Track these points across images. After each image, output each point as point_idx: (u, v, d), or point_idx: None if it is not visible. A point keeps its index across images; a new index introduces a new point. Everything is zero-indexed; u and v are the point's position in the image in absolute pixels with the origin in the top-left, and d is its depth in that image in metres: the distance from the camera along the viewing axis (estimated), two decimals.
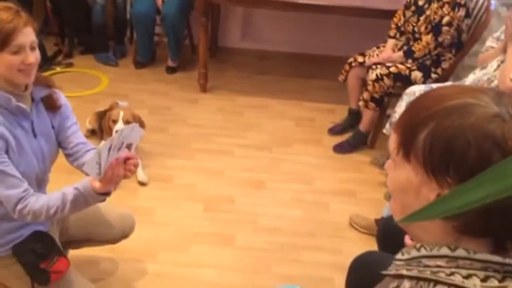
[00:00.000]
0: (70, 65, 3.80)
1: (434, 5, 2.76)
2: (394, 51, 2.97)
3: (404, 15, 2.96)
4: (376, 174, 2.86)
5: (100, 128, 2.76)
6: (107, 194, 1.42)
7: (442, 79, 2.84)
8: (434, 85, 2.53)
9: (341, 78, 3.17)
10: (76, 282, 1.60)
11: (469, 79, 2.38)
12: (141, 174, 2.61)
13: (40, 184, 1.56)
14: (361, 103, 2.98)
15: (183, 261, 2.17)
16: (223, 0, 3.53)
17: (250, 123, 3.31)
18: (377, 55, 3.01)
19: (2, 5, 1.36)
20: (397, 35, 3.03)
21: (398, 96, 2.74)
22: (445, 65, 2.88)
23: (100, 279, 1.99)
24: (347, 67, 3.12)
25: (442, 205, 0.57)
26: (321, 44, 4.26)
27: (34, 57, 1.39)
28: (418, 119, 0.71)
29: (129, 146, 1.42)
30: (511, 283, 0.67)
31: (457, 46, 2.89)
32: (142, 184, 2.61)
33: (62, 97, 1.60)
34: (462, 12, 2.74)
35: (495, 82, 2.20)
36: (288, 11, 3.58)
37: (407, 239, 1.14)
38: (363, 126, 3.05)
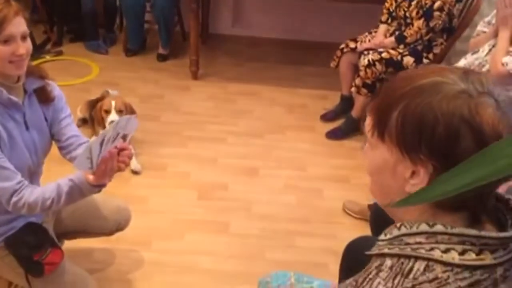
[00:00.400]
0: (59, 53, 3.76)
1: None
2: (385, 36, 2.97)
3: (396, 0, 2.95)
4: None
5: (92, 117, 2.74)
6: (102, 185, 1.42)
7: (434, 64, 2.85)
8: None
9: (333, 64, 3.16)
10: (70, 273, 1.60)
11: (461, 64, 2.38)
12: (134, 163, 2.60)
13: (32, 176, 1.54)
14: (353, 89, 2.99)
15: (178, 249, 2.18)
16: None
17: (242, 110, 3.30)
18: (369, 40, 3.00)
19: None
20: (389, 20, 3.02)
21: None
22: (436, 50, 2.89)
23: (95, 269, 1.99)
24: (338, 53, 3.12)
25: (436, 188, 0.58)
26: (312, 30, 4.24)
27: (25, 47, 1.36)
28: (390, 100, 0.73)
29: (124, 137, 1.40)
30: (488, 255, 0.69)
31: (449, 31, 2.89)
32: (135, 172, 2.61)
33: (55, 89, 1.57)
34: None
35: (487, 67, 2.21)
36: None
37: None
38: (355, 112, 3.06)
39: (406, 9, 2.86)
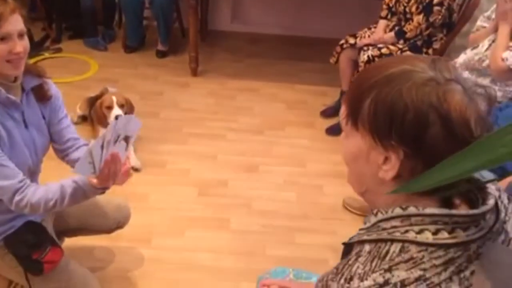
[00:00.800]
0: (58, 50, 3.75)
1: None
2: (385, 32, 2.96)
3: None
4: None
5: (91, 115, 2.74)
6: (106, 188, 1.40)
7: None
8: None
9: (332, 60, 3.16)
10: (70, 271, 1.60)
11: (460, 59, 2.38)
12: (134, 160, 2.60)
13: (32, 175, 1.53)
14: None
15: (178, 245, 2.18)
16: None
17: (242, 106, 3.30)
18: (369, 36, 2.99)
19: None
20: (388, 16, 3.01)
21: None
22: (436, 45, 2.88)
23: (95, 267, 1.99)
24: (338, 49, 3.11)
25: (435, 175, 0.59)
26: (312, 26, 4.23)
27: (22, 46, 1.33)
28: (362, 89, 0.75)
29: (126, 139, 1.37)
30: (460, 233, 0.71)
31: (448, 26, 2.89)
32: (135, 169, 2.60)
33: (52, 87, 1.55)
34: None
35: (487, 62, 2.20)
36: None
37: None
38: None
39: (405, 4, 2.85)
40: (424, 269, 0.69)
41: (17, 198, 1.35)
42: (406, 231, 0.72)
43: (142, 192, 2.46)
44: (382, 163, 0.74)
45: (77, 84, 3.33)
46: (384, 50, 2.82)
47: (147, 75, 3.57)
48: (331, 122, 3.12)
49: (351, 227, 2.23)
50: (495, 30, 2.22)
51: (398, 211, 0.74)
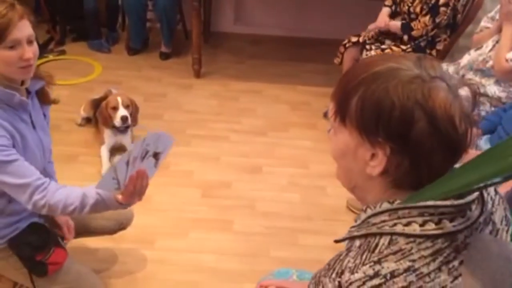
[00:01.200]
0: (62, 52, 3.77)
1: None
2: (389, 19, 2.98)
3: None
4: None
5: (95, 117, 2.75)
6: (130, 205, 1.39)
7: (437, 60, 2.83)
8: None
9: (336, 60, 3.15)
10: (75, 272, 1.60)
11: (464, 60, 2.38)
12: None
13: (45, 177, 1.53)
14: None
15: (182, 247, 2.18)
16: None
17: (245, 108, 3.30)
18: (372, 36, 2.99)
19: None
20: (393, 8, 3.02)
21: None
22: (439, 46, 2.87)
23: (99, 268, 2.00)
24: (342, 49, 3.10)
25: (451, 183, 0.59)
26: (314, 27, 4.23)
27: (31, 51, 1.33)
28: (350, 86, 0.76)
29: (156, 156, 1.33)
30: (446, 224, 0.72)
31: (452, 27, 2.88)
32: None
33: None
34: None
35: (490, 63, 2.20)
36: None
37: None
38: None
39: (410, 4, 2.86)
40: (413, 260, 0.70)
41: (36, 197, 1.32)
42: (394, 224, 0.74)
43: (146, 194, 2.45)
44: (369, 159, 0.75)
45: (81, 86, 3.34)
46: (387, 51, 2.82)
47: (151, 77, 3.58)
48: None
49: None
50: (499, 30, 2.22)
51: (386, 205, 0.76)
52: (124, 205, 1.37)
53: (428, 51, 2.85)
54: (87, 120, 2.94)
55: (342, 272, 0.74)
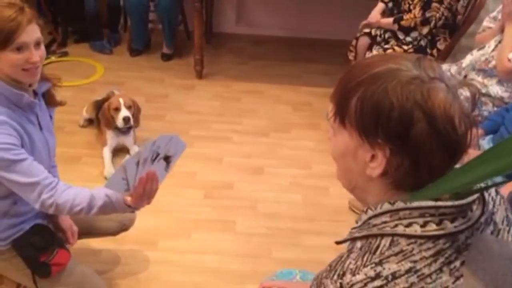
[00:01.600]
0: (65, 54, 3.77)
1: None
2: (381, 15, 3.02)
3: None
4: None
5: (98, 118, 2.75)
6: (138, 208, 1.38)
7: (439, 60, 2.83)
8: None
9: (351, 55, 3.12)
10: (78, 273, 1.61)
11: (467, 60, 2.37)
12: None
13: None
14: None
15: (184, 248, 2.18)
16: None
17: (247, 108, 3.30)
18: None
19: (6, 1, 1.31)
20: (390, 5, 3.03)
21: None
22: (440, 45, 2.88)
23: (102, 269, 2.00)
24: (354, 42, 3.08)
25: (454, 180, 0.59)
26: (316, 28, 4.23)
27: (38, 55, 1.34)
28: (349, 87, 0.76)
29: (167, 159, 1.32)
30: (447, 225, 0.72)
31: (451, 27, 2.89)
32: None
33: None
34: None
35: (493, 63, 2.19)
36: None
37: None
38: None
39: (410, 2, 2.87)
40: (414, 261, 0.70)
41: (44, 196, 1.33)
42: (396, 226, 0.74)
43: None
44: (369, 160, 0.75)
45: (83, 88, 3.35)
46: (389, 52, 2.82)
47: (153, 78, 3.58)
48: None
49: None
50: (501, 30, 2.22)
51: (387, 206, 0.76)
52: (133, 208, 1.37)
53: (429, 50, 2.86)
54: (90, 122, 2.94)
55: (344, 274, 0.74)
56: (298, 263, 2.10)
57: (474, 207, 0.76)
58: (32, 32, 1.33)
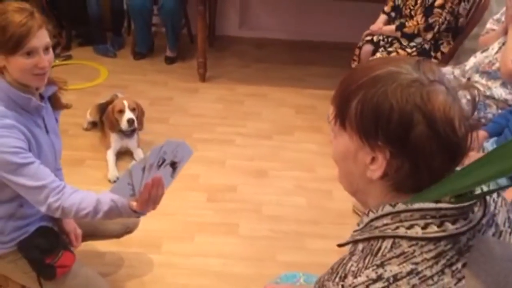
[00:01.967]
0: (69, 57, 3.79)
1: None
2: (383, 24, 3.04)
3: None
4: None
5: (101, 121, 2.76)
6: (144, 213, 1.39)
7: (442, 63, 2.84)
8: None
9: (354, 65, 3.13)
10: (83, 275, 1.61)
11: (470, 62, 2.37)
12: None
13: None
14: None
15: (188, 251, 2.18)
16: None
17: (250, 111, 3.30)
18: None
19: (16, 6, 1.32)
20: (392, 14, 3.04)
21: None
22: (444, 48, 2.88)
23: (106, 271, 2.00)
24: (357, 51, 3.09)
25: (455, 182, 0.59)
26: (319, 30, 4.23)
27: (47, 60, 1.36)
28: (350, 90, 0.76)
29: (173, 165, 1.32)
30: (449, 226, 0.72)
31: (454, 30, 2.89)
32: None
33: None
34: None
35: (497, 65, 2.19)
36: None
37: None
38: None
39: (412, 7, 2.88)
40: (416, 263, 0.70)
41: (51, 199, 1.33)
42: (397, 228, 0.74)
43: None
44: (370, 163, 0.75)
45: (87, 91, 3.36)
46: (393, 55, 2.82)
47: (156, 81, 3.59)
48: None
49: None
50: (505, 32, 2.21)
51: (388, 208, 0.76)
52: (138, 213, 1.37)
53: (433, 53, 2.85)
54: (93, 125, 2.95)
55: (345, 276, 0.74)
56: (302, 266, 2.10)
57: (476, 208, 0.76)
58: (42, 37, 1.34)
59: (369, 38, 3.04)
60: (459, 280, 0.70)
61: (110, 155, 2.66)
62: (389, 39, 2.97)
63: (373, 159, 0.75)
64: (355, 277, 0.72)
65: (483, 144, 2.01)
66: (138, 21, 3.75)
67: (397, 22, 3.01)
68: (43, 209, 1.35)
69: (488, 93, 2.22)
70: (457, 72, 2.41)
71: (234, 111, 3.29)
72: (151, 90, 3.46)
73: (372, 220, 0.78)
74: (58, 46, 3.87)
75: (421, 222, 0.72)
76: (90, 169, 2.64)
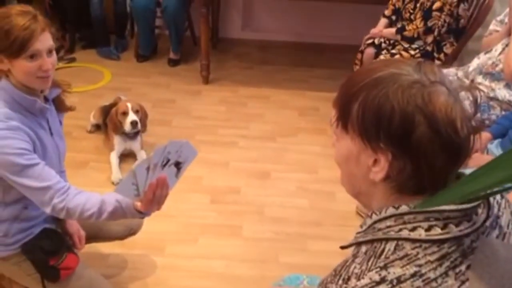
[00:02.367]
0: (72, 60, 3.81)
1: None
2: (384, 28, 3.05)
3: (403, 1, 2.98)
4: None
5: (105, 123, 2.77)
6: (148, 214, 1.39)
7: (446, 64, 2.83)
8: None
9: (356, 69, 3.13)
10: (86, 277, 1.61)
11: (474, 64, 2.36)
12: None
13: None
14: None
15: (191, 253, 2.19)
16: None
17: (254, 113, 3.30)
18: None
19: (19, 9, 1.33)
20: (393, 17, 3.05)
21: None
22: (447, 50, 2.88)
23: (110, 273, 2.01)
24: (359, 55, 3.09)
25: (462, 188, 0.59)
26: (322, 32, 4.23)
27: (50, 62, 1.37)
28: (351, 92, 0.76)
29: (178, 165, 1.32)
30: (452, 228, 0.72)
31: (456, 32, 2.89)
32: None
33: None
34: None
35: (500, 66, 2.18)
36: None
37: None
38: None
39: (411, 11, 2.88)
40: (419, 265, 0.70)
41: (56, 200, 1.34)
42: (400, 230, 0.73)
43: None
44: (372, 165, 0.75)
45: (90, 93, 3.37)
46: (396, 57, 2.82)
47: (159, 83, 3.60)
48: None
49: None
50: (508, 34, 2.21)
51: (391, 210, 0.75)
52: (143, 214, 1.37)
53: (436, 55, 2.85)
54: (97, 127, 2.96)
55: (349, 279, 0.74)
56: (305, 268, 2.10)
57: (479, 210, 0.75)
58: (45, 40, 1.35)
59: (370, 41, 3.04)
60: (463, 282, 0.70)
61: (114, 157, 2.67)
62: (391, 41, 2.97)
63: (376, 161, 0.75)
64: (359, 279, 0.72)
65: (487, 145, 2.00)
66: (141, 24, 3.76)
67: (398, 25, 3.01)
68: (48, 210, 1.36)
69: (491, 94, 2.21)
70: (460, 73, 2.41)
71: (237, 113, 3.29)
72: (154, 92, 3.47)
73: (375, 222, 0.78)
74: (61, 49, 3.88)
75: (425, 224, 0.72)
76: (93, 171, 2.65)
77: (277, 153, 2.91)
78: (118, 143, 2.69)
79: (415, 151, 0.71)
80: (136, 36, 3.91)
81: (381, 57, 2.84)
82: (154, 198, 1.30)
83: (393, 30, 2.94)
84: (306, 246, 2.27)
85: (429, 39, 2.83)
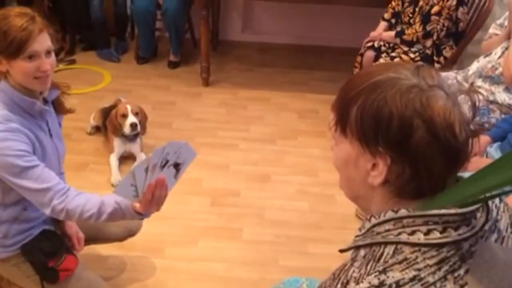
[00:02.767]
0: (72, 62, 3.81)
1: None
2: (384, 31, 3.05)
3: (403, 4, 2.98)
4: None
5: (105, 125, 2.77)
6: (147, 215, 1.39)
7: (445, 68, 2.84)
8: None
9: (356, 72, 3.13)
10: (85, 279, 1.61)
11: (473, 67, 2.36)
12: None
13: None
14: None
15: (191, 255, 2.18)
16: None
17: (254, 116, 3.30)
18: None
19: (18, 11, 1.34)
20: (392, 20, 3.06)
21: None
22: (446, 53, 2.88)
23: (108, 275, 2.00)
24: (359, 58, 3.09)
25: (462, 191, 0.59)
26: (322, 35, 4.24)
27: (49, 63, 1.37)
28: (350, 96, 0.76)
29: (177, 166, 1.31)
30: (451, 233, 0.72)
31: (455, 35, 2.89)
32: None
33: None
34: (452, 1, 2.74)
35: (500, 70, 2.19)
36: (289, 2, 3.57)
37: None
38: None
39: (411, 15, 2.89)
40: (418, 269, 0.70)
41: (55, 201, 1.34)
42: (399, 234, 0.73)
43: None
44: (370, 169, 0.75)
45: (90, 95, 3.37)
46: (396, 60, 2.83)
47: (160, 85, 3.60)
48: None
49: None
50: (508, 37, 2.21)
51: (390, 214, 0.75)
52: (142, 215, 1.37)
53: (436, 58, 2.85)
54: (97, 129, 2.96)
55: (347, 282, 0.74)
56: (305, 271, 2.09)
57: (478, 214, 0.75)
58: (43, 41, 1.35)
59: (370, 44, 3.05)
60: (462, 286, 0.70)
61: (113, 159, 2.67)
62: (391, 45, 2.97)
63: (374, 166, 0.75)
64: (357, 283, 0.72)
65: (486, 149, 2.00)
66: (141, 26, 3.77)
67: (398, 28, 3.01)
68: (47, 211, 1.36)
69: (491, 98, 2.22)
70: (460, 77, 2.41)
71: (237, 116, 3.30)
72: (154, 94, 3.47)
73: (374, 226, 0.78)
74: (62, 50, 3.89)
75: (424, 228, 0.72)
76: (93, 174, 2.65)
77: (277, 156, 2.91)
78: (118, 145, 2.69)
79: (414, 155, 0.71)
80: (136, 38, 3.91)
81: (381, 60, 2.84)
82: (153, 199, 1.30)
83: (392, 33, 2.95)
84: (306, 249, 2.26)
85: (428, 43, 2.84)
